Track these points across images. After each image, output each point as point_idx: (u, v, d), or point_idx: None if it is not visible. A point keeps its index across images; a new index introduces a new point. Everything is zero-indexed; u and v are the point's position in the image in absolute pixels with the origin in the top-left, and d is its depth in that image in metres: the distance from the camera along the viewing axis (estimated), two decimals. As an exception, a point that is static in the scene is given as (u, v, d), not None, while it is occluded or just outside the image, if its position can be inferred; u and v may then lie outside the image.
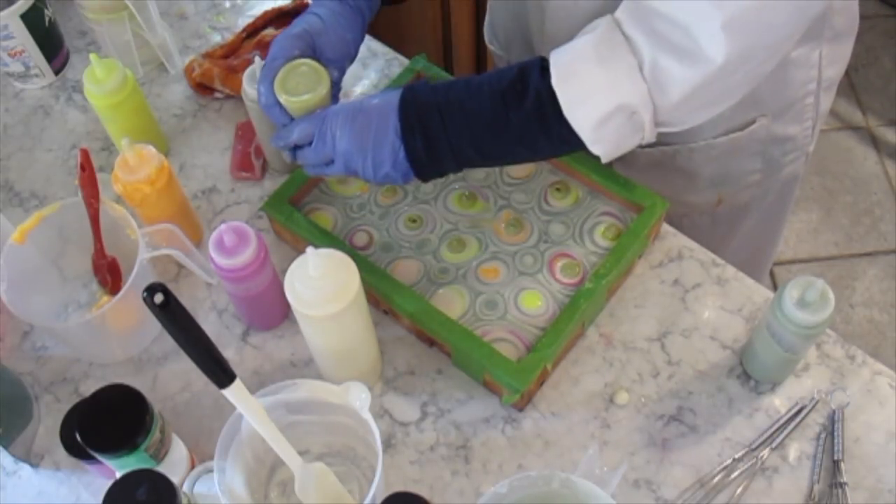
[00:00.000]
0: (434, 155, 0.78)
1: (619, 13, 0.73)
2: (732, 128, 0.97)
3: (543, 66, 0.74)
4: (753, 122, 0.97)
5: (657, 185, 1.02)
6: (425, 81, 0.79)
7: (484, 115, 0.76)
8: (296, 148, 0.83)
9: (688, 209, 1.06)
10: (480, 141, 0.77)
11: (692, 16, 0.67)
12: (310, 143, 0.81)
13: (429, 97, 0.77)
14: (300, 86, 0.80)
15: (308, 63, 0.81)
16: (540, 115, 0.74)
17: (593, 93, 0.72)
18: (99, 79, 0.95)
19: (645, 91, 0.71)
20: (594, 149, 0.75)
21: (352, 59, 0.87)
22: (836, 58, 0.97)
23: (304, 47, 0.83)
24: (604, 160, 0.76)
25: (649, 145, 1.02)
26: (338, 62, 0.85)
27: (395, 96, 0.78)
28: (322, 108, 0.81)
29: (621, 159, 1.03)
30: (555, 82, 0.72)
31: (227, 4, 1.21)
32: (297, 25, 0.85)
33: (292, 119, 0.82)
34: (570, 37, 0.92)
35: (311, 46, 0.84)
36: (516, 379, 0.81)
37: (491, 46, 1.15)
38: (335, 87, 0.84)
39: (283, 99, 0.80)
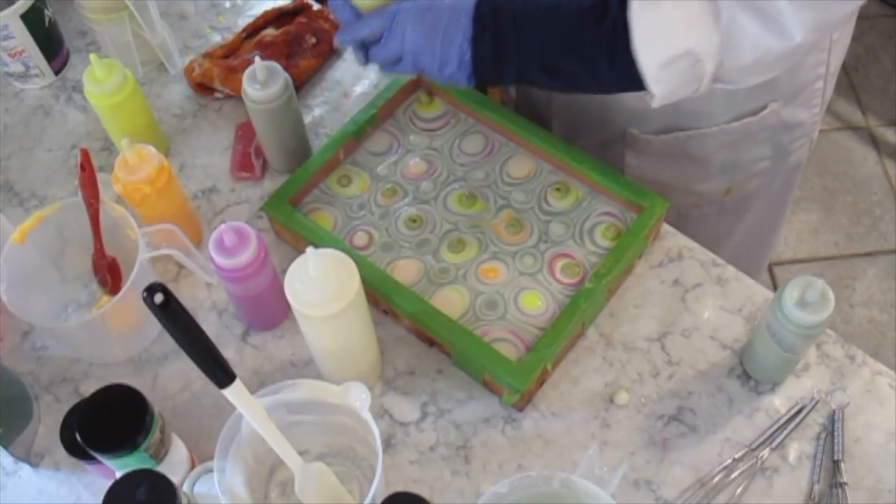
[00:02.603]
0: (500, 61, 0.77)
1: None
2: (745, 112, 0.98)
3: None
4: (765, 107, 0.97)
5: (669, 173, 1.02)
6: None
7: (558, 31, 0.75)
8: (364, 48, 0.82)
9: (697, 199, 1.07)
10: (549, 56, 0.76)
11: None
12: (379, 41, 0.80)
13: (506, 1, 0.76)
14: None
15: None
16: (611, 43, 0.74)
17: (666, 32, 0.71)
18: (99, 79, 0.95)
19: (717, 44, 0.71)
20: (653, 87, 0.74)
21: None
22: (842, 42, 0.99)
23: None
24: (656, 103, 0.75)
25: (664, 131, 1.02)
26: None
27: None
28: (391, 3, 0.79)
29: (634, 147, 1.04)
30: (632, 15, 0.72)
31: (227, 4, 1.21)
32: None
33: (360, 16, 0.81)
34: None
35: None
36: (516, 379, 0.81)
37: None
38: None
39: None
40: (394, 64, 0.81)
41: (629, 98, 0.99)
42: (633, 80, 0.74)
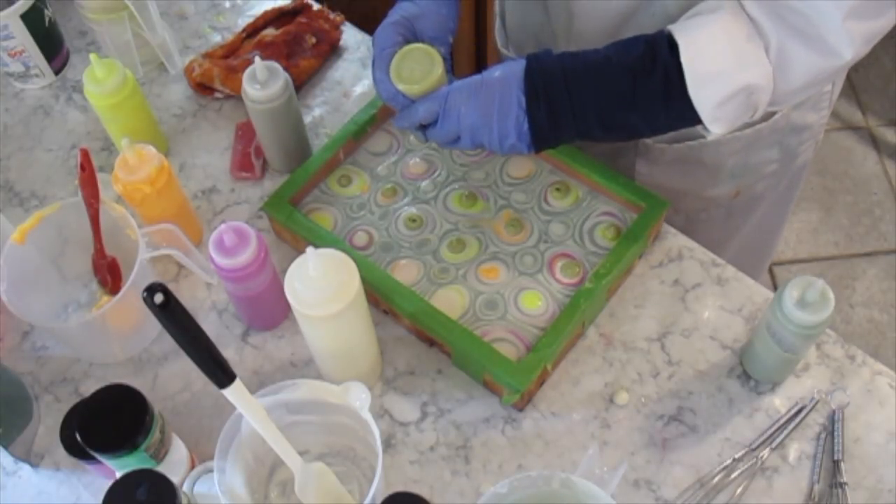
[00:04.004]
0: (557, 126, 0.78)
1: (736, 5, 0.73)
2: (757, 118, 0.98)
3: (671, 42, 0.74)
4: (776, 111, 0.97)
5: (680, 180, 1.02)
6: (549, 51, 0.79)
7: (611, 88, 0.76)
8: (423, 128, 0.83)
9: (706, 203, 1.07)
10: (604, 112, 0.77)
11: (815, 10, 0.69)
12: (435, 122, 0.81)
13: (554, 66, 0.77)
14: (415, 71, 0.80)
15: (417, 47, 0.81)
16: (666, 91, 0.75)
17: (721, 73, 0.72)
18: (99, 79, 0.95)
19: (770, 73, 0.72)
20: (712, 127, 0.75)
21: (453, 32, 0.87)
22: None
23: (405, 33, 0.83)
24: (713, 137, 0.77)
25: (677, 140, 1.02)
26: (441, 39, 0.85)
27: (518, 67, 0.78)
28: (441, 86, 0.81)
29: (646, 156, 1.04)
30: (684, 60, 0.72)
31: (227, 4, 1.21)
32: (394, 14, 0.85)
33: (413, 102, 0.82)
34: (600, 36, 0.93)
35: (411, 31, 0.84)
36: (516, 379, 0.81)
37: (504, 51, 1.15)
38: (446, 63, 0.84)
39: (402, 88, 0.80)
40: (453, 142, 0.82)
41: None
42: (691, 119, 0.76)
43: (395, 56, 0.81)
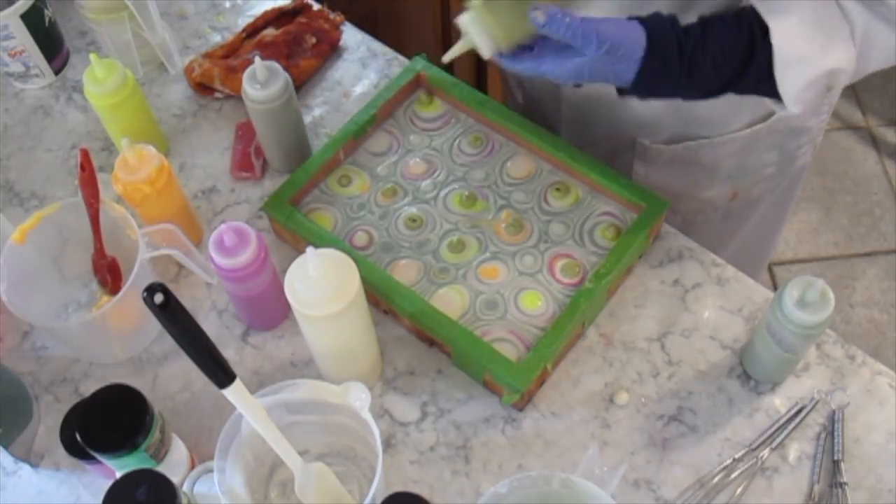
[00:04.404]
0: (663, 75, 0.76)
1: None
2: (755, 119, 0.98)
3: (761, 24, 0.73)
4: (773, 112, 0.97)
5: (677, 181, 1.02)
6: (663, 20, 0.76)
7: (719, 53, 0.75)
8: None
9: (703, 205, 1.07)
10: (702, 83, 0.76)
11: None
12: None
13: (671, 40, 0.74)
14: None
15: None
16: (758, 77, 0.75)
17: (807, 58, 0.72)
18: (99, 79, 0.95)
19: (853, 57, 0.73)
20: (792, 108, 0.75)
21: None
22: None
23: None
24: (786, 112, 0.76)
25: (674, 141, 1.02)
26: None
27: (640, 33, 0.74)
28: None
29: (643, 157, 1.04)
30: (775, 43, 0.72)
31: (227, 4, 1.21)
32: None
33: None
34: None
35: None
36: (516, 379, 0.81)
37: None
38: None
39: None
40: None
41: (640, 109, 0.99)
42: (769, 95, 0.76)
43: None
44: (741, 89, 0.76)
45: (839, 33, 0.73)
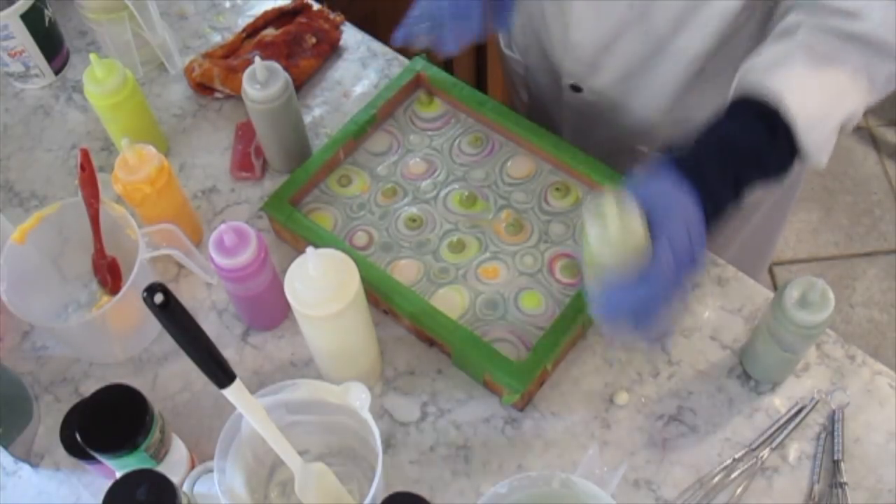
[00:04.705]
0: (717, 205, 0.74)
1: (805, 36, 0.74)
2: None
3: (773, 106, 0.73)
4: None
5: None
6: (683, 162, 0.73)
7: (746, 166, 0.74)
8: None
9: None
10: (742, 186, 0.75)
11: (881, 35, 0.72)
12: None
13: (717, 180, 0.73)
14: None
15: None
16: (790, 154, 0.75)
17: (826, 115, 0.73)
18: (99, 79, 0.95)
19: (864, 93, 0.75)
20: (822, 160, 0.75)
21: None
22: None
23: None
24: (823, 166, 0.77)
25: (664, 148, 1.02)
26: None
27: (681, 196, 0.70)
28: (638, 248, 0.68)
29: (642, 162, 1.04)
30: (796, 120, 0.72)
31: (227, 4, 1.21)
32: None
33: None
34: (594, 46, 0.93)
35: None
36: (516, 379, 0.81)
37: (507, 51, 1.15)
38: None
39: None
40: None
41: (638, 116, 1.00)
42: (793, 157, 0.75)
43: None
44: (778, 158, 0.76)
45: (843, 77, 0.74)
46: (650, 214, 0.68)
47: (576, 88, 1.03)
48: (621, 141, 1.05)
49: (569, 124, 1.10)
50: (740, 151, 0.73)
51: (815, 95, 0.73)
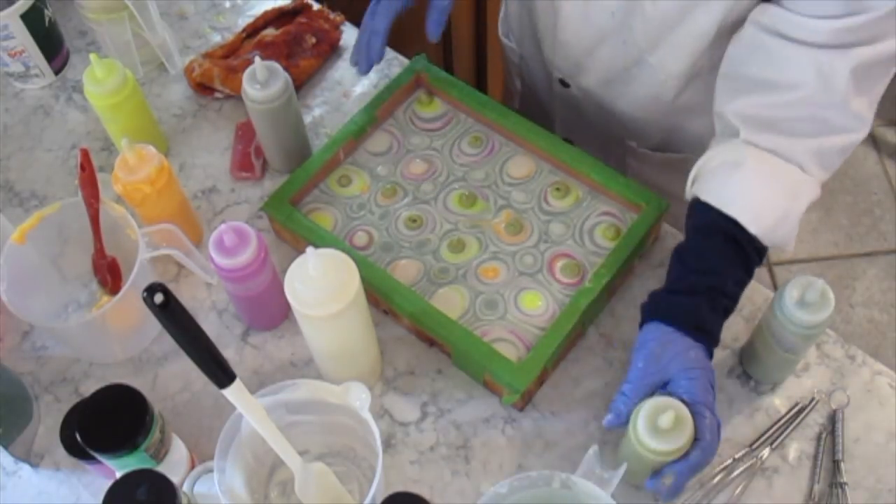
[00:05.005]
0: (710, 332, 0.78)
1: (747, 134, 0.78)
2: None
3: (727, 217, 0.77)
4: None
5: (669, 182, 1.03)
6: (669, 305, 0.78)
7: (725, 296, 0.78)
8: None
9: None
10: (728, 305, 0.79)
11: (822, 118, 0.76)
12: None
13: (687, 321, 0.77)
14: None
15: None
16: (758, 256, 0.79)
17: (785, 215, 0.77)
18: (99, 79, 0.95)
19: (819, 179, 0.78)
20: (788, 248, 0.80)
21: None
22: None
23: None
24: (789, 250, 0.81)
25: (660, 150, 1.03)
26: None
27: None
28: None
29: (634, 155, 1.04)
30: (755, 230, 0.76)
31: (227, 4, 1.21)
32: None
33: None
34: (580, 47, 0.95)
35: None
36: (516, 379, 0.81)
37: (504, 39, 1.16)
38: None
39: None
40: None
41: (626, 117, 1.00)
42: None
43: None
44: (754, 268, 0.80)
45: (793, 177, 0.77)
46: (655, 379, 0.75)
47: (564, 84, 1.03)
48: (610, 135, 1.06)
49: (559, 116, 1.10)
50: (727, 287, 0.77)
51: (770, 204, 0.77)
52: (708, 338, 0.76)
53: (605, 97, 1.01)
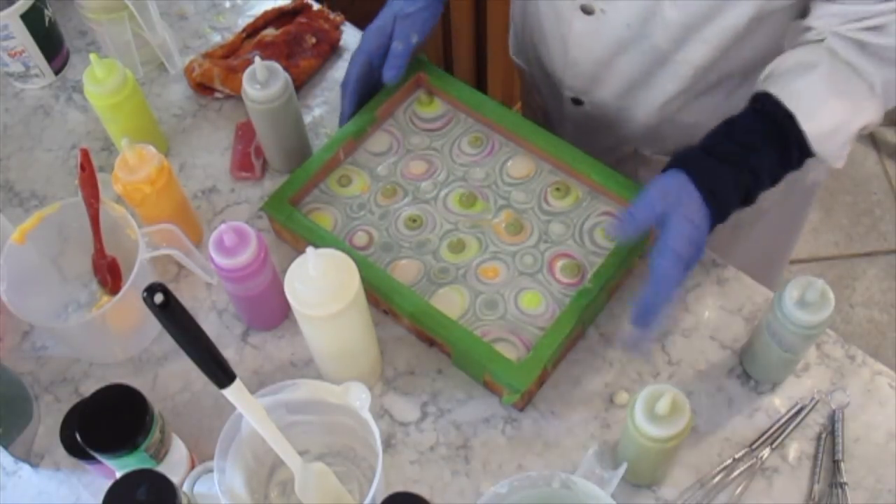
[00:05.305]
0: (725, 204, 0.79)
1: (832, 43, 0.78)
2: None
3: (786, 111, 0.77)
4: None
5: None
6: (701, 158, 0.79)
7: (759, 175, 0.79)
8: None
9: None
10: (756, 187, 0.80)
11: None
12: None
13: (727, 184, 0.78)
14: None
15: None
16: (799, 158, 0.80)
17: (839, 126, 0.77)
18: (99, 79, 0.95)
19: (880, 107, 0.78)
20: (836, 165, 0.81)
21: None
22: None
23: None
24: (837, 167, 0.82)
25: (673, 154, 1.03)
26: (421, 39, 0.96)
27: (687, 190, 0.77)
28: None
29: (646, 165, 1.04)
30: (805, 129, 0.77)
31: (227, 4, 1.21)
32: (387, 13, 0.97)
33: None
34: (593, 64, 0.95)
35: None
36: (516, 379, 0.81)
37: (515, 59, 1.15)
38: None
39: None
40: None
41: (642, 124, 1.00)
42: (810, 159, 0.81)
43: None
44: (791, 168, 0.81)
45: (861, 94, 0.77)
46: (658, 211, 0.77)
47: (577, 101, 1.03)
48: (625, 146, 1.05)
49: (570, 135, 1.09)
50: (751, 157, 0.77)
51: (830, 108, 0.77)
52: (718, 208, 0.77)
53: (621, 107, 1.00)
